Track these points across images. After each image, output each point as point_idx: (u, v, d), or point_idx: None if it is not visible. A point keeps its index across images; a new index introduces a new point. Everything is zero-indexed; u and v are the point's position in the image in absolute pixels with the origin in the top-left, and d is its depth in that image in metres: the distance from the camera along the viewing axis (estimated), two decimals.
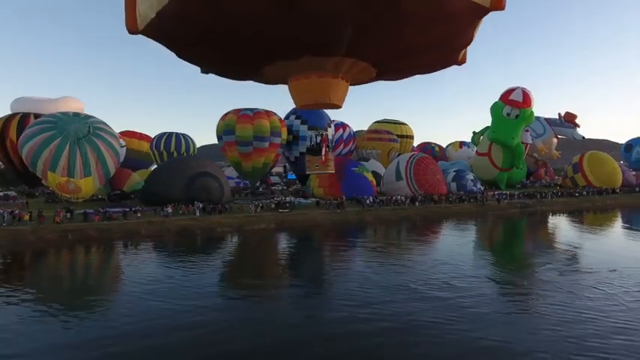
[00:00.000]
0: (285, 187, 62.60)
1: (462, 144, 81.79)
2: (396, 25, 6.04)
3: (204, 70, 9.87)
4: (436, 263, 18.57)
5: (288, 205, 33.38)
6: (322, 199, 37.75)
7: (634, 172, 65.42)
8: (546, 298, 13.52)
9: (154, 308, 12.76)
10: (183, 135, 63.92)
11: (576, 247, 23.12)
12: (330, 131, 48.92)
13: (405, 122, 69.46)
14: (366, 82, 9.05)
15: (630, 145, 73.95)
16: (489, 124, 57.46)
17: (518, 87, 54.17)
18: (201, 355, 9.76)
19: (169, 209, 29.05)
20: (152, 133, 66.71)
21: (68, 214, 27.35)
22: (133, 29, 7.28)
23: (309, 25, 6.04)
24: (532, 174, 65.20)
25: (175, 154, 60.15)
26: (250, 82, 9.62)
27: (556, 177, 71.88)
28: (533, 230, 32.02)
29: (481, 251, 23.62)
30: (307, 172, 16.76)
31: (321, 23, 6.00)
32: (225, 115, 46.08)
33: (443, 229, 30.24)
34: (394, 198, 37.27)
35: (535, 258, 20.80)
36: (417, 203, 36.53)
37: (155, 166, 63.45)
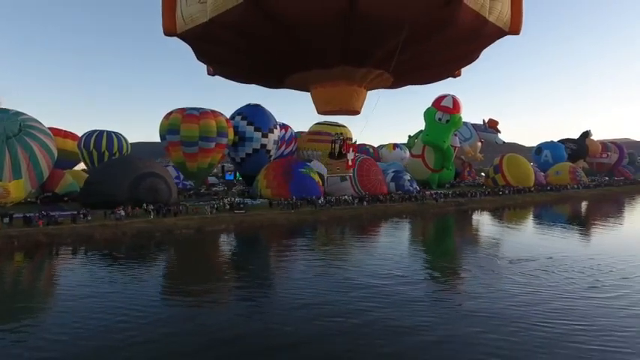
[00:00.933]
0: (225, 188, 62.19)
1: (395, 146, 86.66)
2: (434, 43, 7.22)
3: (213, 73, 10.35)
4: (386, 257, 20.95)
5: (242, 206, 33.88)
6: (273, 200, 38.66)
7: (543, 173, 74.29)
8: (478, 279, 16.18)
9: (105, 314, 12.92)
10: (115, 133, 60.80)
11: (505, 239, 27.00)
12: (277, 133, 49.84)
13: (344, 125, 72.14)
14: (380, 89, 10.17)
15: (540, 149, 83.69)
16: (423, 128, 62.19)
17: (449, 94, 59.19)
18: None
19: (122, 212, 28.25)
20: (74, 130, 62.46)
21: (6, 219, 25.57)
22: (170, 31, 7.66)
23: (362, 36, 6.93)
24: (459, 175, 71.31)
25: (107, 153, 57.09)
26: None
27: (477, 177, 79.28)
28: (469, 225, 36.14)
29: (426, 245, 26.59)
30: (327, 175, 17.81)
31: (371, 34, 6.92)
32: (169, 114, 45.07)
33: (390, 226, 33.00)
34: (344, 198, 39.29)
35: (471, 248, 23.98)
36: (364, 203, 38.88)
37: (82, 165, 59.87)
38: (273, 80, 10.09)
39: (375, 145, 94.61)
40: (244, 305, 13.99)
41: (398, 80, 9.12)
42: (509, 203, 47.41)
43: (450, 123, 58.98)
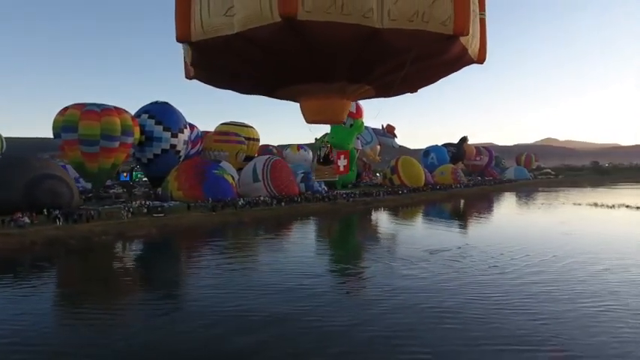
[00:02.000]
0: (123, 190, 58.37)
1: (299, 147, 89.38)
2: (422, 66, 8.59)
3: (193, 77, 10.49)
4: (308, 255, 23.07)
5: (160, 209, 32.83)
6: (190, 202, 37.98)
7: (430, 174, 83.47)
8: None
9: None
10: None
11: (417, 233, 31.00)
12: (187, 133, 48.66)
13: (252, 125, 72.75)
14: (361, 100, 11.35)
15: (428, 152, 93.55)
16: (328, 131, 65.73)
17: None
18: None
19: (26, 219, 25.65)
20: None
21: None
22: (185, 38, 7.88)
23: (371, 56, 7.97)
24: (360, 175, 76.62)
25: None
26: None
27: (373, 178, 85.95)
28: (383, 222, 40.19)
29: (349, 241, 29.35)
30: (316, 180, 18.00)
31: (379, 56, 8.05)
32: (65, 109, 41.27)
33: (310, 225, 35.29)
34: (263, 199, 40.24)
35: (394, 242, 27.30)
36: (282, 203, 40.33)
37: None
38: (266, 90, 10.71)
39: (276, 145, 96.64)
40: (159, 313, 13.98)
41: (377, 94, 10.54)
42: (408, 201, 53.08)
43: (354, 127, 63.35)
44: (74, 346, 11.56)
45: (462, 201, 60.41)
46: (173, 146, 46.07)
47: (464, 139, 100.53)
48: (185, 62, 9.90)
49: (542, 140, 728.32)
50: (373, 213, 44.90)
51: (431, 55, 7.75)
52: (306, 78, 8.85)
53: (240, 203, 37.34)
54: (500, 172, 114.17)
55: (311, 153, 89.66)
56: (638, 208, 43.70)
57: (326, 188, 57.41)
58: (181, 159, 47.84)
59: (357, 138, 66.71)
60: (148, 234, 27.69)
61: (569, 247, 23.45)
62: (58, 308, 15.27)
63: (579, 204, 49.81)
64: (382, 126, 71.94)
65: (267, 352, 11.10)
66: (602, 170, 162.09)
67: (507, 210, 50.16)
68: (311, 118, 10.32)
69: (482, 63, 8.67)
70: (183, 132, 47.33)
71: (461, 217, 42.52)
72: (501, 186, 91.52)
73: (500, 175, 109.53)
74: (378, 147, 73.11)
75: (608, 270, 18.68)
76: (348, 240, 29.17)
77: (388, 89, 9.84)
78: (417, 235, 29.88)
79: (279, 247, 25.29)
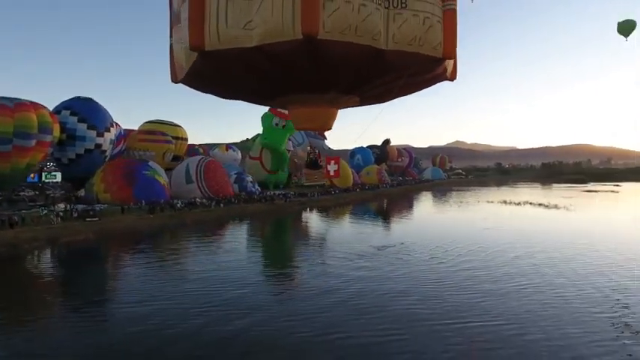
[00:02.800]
0: (35, 193, 53.42)
1: (228, 147, 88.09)
2: (408, 81, 9.72)
3: (180, 81, 10.69)
4: (254, 256, 24.17)
5: (92, 212, 30.93)
6: (116, 205, 36.14)
7: (357, 174, 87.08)
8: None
9: None
10: None
11: (360, 230, 32.85)
12: (114, 131, 46.06)
13: (179, 125, 70.49)
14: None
15: (354, 153, 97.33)
16: (260, 132, 65.95)
17: None
18: None
19: None
20: None
21: None
22: (199, 47, 8.13)
23: (370, 72, 8.88)
24: (291, 176, 77.63)
25: None
26: None
27: (300, 178, 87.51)
28: (324, 221, 41.97)
29: (296, 240, 30.31)
30: (305, 184, 17.76)
31: (377, 72, 8.97)
32: None
33: (252, 226, 35.65)
34: (200, 201, 39.57)
35: (340, 239, 28.71)
36: (221, 205, 40.01)
37: None
38: (260, 98, 11.11)
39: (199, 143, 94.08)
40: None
41: (361, 104, 11.49)
42: (342, 201, 55.30)
43: (286, 128, 64.32)
44: None
45: (391, 200, 64.34)
46: (98, 146, 43.27)
47: (387, 142, 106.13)
48: (173, 65, 10.12)
49: (451, 143, 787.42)
50: (313, 213, 46.45)
51: (419, 73, 9.00)
52: (306, 89, 9.60)
53: (178, 205, 36.40)
54: (419, 172, 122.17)
55: (240, 153, 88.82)
56: (540, 204, 50.17)
57: (259, 189, 57.66)
58: (106, 159, 45.14)
59: (289, 139, 67.73)
60: (86, 239, 26.12)
61: (491, 239, 26.79)
62: None
63: (492, 202, 55.68)
64: None
65: None
66: (504, 171, 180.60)
67: (433, 208, 54.54)
68: (301, 125, 11.06)
69: (453, 80, 10.02)
70: (109, 131, 44.70)
71: (395, 216, 45.71)
72: (421, 185, 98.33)
73: (418, 176, 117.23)
74: (309, 148, 74.76)
75: (518, 257, 22.17)
76: (298, 239, 29.99)
77: (371, 100, 10.97)
78: (362, 233, 31.72)
79: (227, 250, 25.45)
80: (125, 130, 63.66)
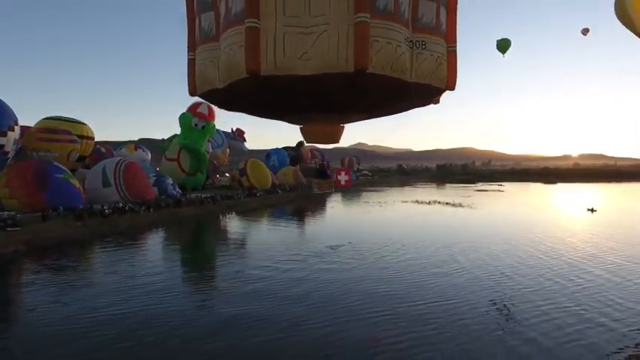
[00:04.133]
0: None
1: (136, 147, 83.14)
2: (411, 102, 11.53)
3: (199, 95, 11.56)
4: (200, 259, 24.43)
5: (10, 222, 27.84)
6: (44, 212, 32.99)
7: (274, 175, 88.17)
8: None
9: None
10: None
11: (302, 231, 34.11)
12: (18, 130, 41.49)
13: (84, 122, 65.07)
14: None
15: (269, 154, 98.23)
16: (177, 133, 63.83)
17: (204, 102, 63.19)
18: None
19: None
20: None
21: None
22: (254, 72, 9.16)
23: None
24: (208, 178, 76.16)
25: None
26: None
27: (216, 180, 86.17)
28: (264, 222, 43.20)
29: (250, 243, 30.78)
30: (315, 192, 17.48)
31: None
32: None
33: (189, 230, 35.28)
34: (128, 206, 37.64)
35: (292, 240, 29.92)
36: (150, 209, 38.50)
37: None
38: (281, 115, 12.25)
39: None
40: None
41: (364, 119, 13.24)
42: (269, 202, 56.22)
43: (205, 129, 63.14)
44: None
45: (316, 201, 66.79)
46: (1, 146, 38.75)
47: (301, 143, 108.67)
48: (193, 78, 10.83)
49: (355, 144, 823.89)
50: (248, 215, 47.08)
51: (423, 99, 10.93)
52: (328, 109, 10.90)
53: (107, 211, 34.35)
54: (331, 173, 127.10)
55: (150, 154, 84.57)
56: (447, 203, 56.36)
57: (180, 191, 55.97)
58: (9, 161, 40.58)
59: (209, 141, 66.58)
60: (15, 251, 23.69)
61: (425, 236, 30.28)
62: None
63: (406, 201, 60.93)
64: (232, 129, 73.31)
65: None
66: (405, 172, 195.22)
67: (360, 209, 57.93)
68: (312, 140, 12.36)
69: (453, 89, 11.76)
70: (13, 129, 40.20)
71: (328, 217, 48.30)
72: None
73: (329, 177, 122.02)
74: (228, 150, 74.25)
75: (439, 248, 25.81)
76: (251, 242, 30.43)
77: (375, 116, 12.62)
78: (308, 234, 33.34)
79: (183, 257, 25.33)
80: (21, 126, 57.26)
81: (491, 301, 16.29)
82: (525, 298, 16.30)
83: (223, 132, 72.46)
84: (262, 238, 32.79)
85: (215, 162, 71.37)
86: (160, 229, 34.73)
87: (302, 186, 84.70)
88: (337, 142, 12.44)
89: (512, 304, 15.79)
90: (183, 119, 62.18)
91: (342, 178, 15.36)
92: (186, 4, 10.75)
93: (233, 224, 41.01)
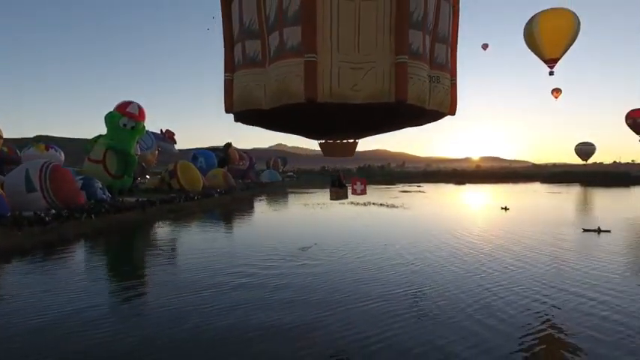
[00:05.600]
0: None
1: (48, 146, 76.65)
2: (417, 121, 13.66)
3: (235, 112, 12.86)
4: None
5: None
6: None
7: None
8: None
9: None
10: None
11: (266, 233, 35.10)
12: None
13: None
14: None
15: (196, 156, 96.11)
16: (102, 133, 60.35)
17: (134, 101, 60.75)
18: None
19: None
20: None
21: None
22: (311, 98, 9.85)
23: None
24: (135, 180, 72.81)
25: None
26: None
27: (140, 182, 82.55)
28: (219, 226, 42.85)
29: (222, 247, 30.81)
30: (331, 200, 16.98)
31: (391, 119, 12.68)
32: None
33: (152, 236, 34.83)
34: (65, 212, 35.46)
35: (257, 242, 30.60)
36: (92, 216, 36.65)
37: None
38: (307, 133, 13.85)
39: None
40: None
41: (374, 134, 15.25)
42: (208, 206, 55.82)
43: (135, 130, 60.47)
44: None
45: (256, 204, 67.36)
46: None
47: (229, 145, 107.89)
48: (230, 98, 12.01)
49: (274, 145, 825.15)
50: (194, 219, 46.54)
51: (429, 121, 13.13)
52: (354, 128, 12.66)
53: (47, 219, 32.16)
54: (256, 175, 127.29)
55: (63, 154, 78.87)
56: (381, 204, 60.33)
57: (109, 195, 53.27)
58: None
59: (138, 142, 63.87)
60: None
61: (375, 236, 32.83)
62: None
63: (343, 203, 63.49)
64: (161, 130, 71.00)
65: None
66: (327, 172, 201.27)
67: (303, 210, 57.96)
68: (330, 153, 13.92)
69: (454, 115, 13.96)
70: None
71: (277, 219, 49.02)
72: (263, 189, 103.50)
73: (256, 179, 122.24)
74: (157, 152, 71.80)
75: (387, 246, 28.35)
76: (220, 246, 30.10)
77: (379, 133, 14.59)
78: (274, 236, 33.74)
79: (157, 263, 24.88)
80: None
81: (436, 285, 19.36)
82: (462, 283, 19.47)
83: (153, 133, 69.89)
84: (226, 243, 32.92)
85: (143, 164, 68.64)
86: (110, 236, 33.28)
87: (233, 188, 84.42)
88: (352, 155, 14.27)
89: (456, 291, 18.59)
90: (110, 118, 59.01)
91: (358, 187, 16.89)
92: (223, 30, 11.88)
93: (187, 230, 40.13)
